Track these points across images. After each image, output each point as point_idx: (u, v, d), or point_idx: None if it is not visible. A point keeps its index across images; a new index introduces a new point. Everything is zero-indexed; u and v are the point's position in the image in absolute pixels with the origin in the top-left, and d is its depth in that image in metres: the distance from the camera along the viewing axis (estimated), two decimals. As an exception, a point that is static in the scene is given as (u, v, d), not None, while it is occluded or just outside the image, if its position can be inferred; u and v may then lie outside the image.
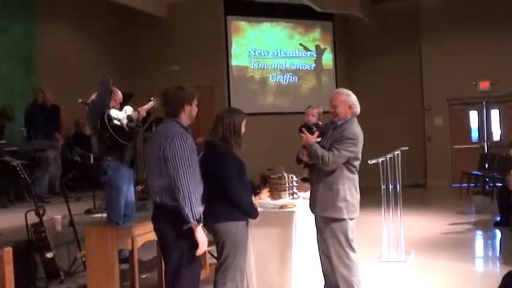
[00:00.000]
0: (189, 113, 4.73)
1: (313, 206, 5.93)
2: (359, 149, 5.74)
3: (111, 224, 7.09)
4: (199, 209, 4.51)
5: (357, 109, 5.84)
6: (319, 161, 5.64)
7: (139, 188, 10.59)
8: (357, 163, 5.77)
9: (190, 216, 4.41)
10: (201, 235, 4.51)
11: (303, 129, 6.20)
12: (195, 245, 4.53)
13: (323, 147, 5.71)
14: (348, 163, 5.69)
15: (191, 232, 4.47)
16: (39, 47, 12.99)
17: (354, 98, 5.85)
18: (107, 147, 7.32)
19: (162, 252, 4.81)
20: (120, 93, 7.63)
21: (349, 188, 5.72)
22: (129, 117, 7.54)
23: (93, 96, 7.73)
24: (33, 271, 6.65)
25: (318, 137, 5.89)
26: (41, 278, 6.67)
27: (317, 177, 5.84)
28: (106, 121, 7.20)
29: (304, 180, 7.26)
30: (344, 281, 5.76)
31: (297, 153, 6.34)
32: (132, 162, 7.77)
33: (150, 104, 7.75)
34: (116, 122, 7.32)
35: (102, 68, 14.28)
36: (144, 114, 7.64)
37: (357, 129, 5.76)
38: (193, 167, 4.51)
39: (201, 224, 4.51)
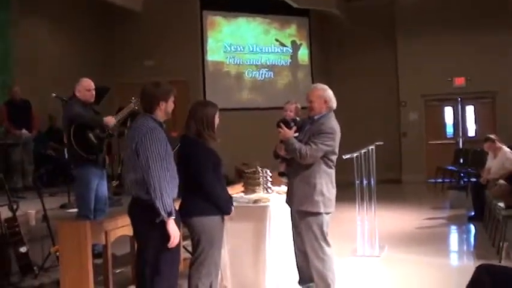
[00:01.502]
0: (164, 109, 4.75)
1: (289, 200, 5.95)
2: (336, 143, 5.77)
3: (80, 218, 7.06)
4: (171, 202, 4.51)
5: (333, 104, 5.87)
6: (296, 155, 5.66)
7: (115, 183, 10.55)
8: (334, 157, 5.80)
9: (161, 209, 4.42)
10: (173, 228, 4.51)
11: (281, 124, 6.22)
12: (169, 236, 4.53)
13: (300, 141, 5.73)
14: (325, 157, 5.72)
15: (164, 225, 4.47)
16: (13, 42, 12.83)
17: (330, 92, 5.88)
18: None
19: (137, 245, 4.80)
20: (90, 82, 7.52)
21: (326, 183, 5.75)
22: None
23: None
24: (7, 266, 6.60)
25: (295, 132, 5.92)
26: (14, 273, 6.62)
27: (294, 171, 5.87)
28: (72, 135, 7.19)
29: (281, 174, 7.29)
30: (318, 275, 5.79)
31: (274, 148, 6.37)
32: (104, 161, 7.71)
33: (130, 106, 7.67)
34: (86, 136, 7.30)
35: (77, 62, 14.20)
36: (112, 123, 7.52)
37: (334, 124, 5.80)
38: (165, 160, 4.52)
39: (173, 217, 4.50)
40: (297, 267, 6.14)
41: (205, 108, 5.28)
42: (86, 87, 7.44)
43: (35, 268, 6.72)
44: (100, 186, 7.45)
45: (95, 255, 5.83)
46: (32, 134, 11.32)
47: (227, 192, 5.40)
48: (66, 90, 7.83)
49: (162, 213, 4.43)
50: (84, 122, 7.31)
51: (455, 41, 16.73)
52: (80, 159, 7.26)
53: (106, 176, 7.80)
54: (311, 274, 5.93)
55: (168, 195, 4.46)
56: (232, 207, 5.31)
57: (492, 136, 10.67)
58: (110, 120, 7.46)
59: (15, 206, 6.87)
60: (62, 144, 11.28)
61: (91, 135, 7.35)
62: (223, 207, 5.18)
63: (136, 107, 7.47)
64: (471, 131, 17.83)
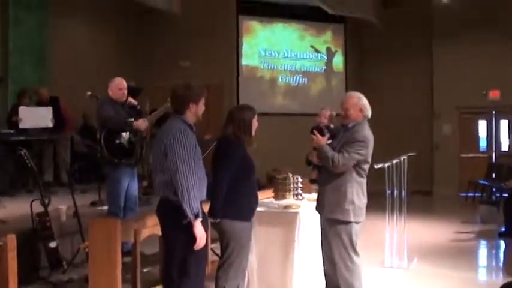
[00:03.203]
0: (194, 111, 4.79)
1: (320, 208, 5.93)
2: (369, 152, 5.74)
3: (110, 216, 7.11)
4: (198, 204, 4.54)
5: (368, 112, 5.84)
6: (328, 163, 5.64)
7: (145, 183, 10.61)
8: (366, 166, 5.77)
9: (188, 211, 4.46)
10: (200, 230, 4.53)
11: (314, 131, 6.22)
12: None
13: (333, 149, 5.71)
14: (357, 166, 5.69)
15: (191, 226, 4.51)
16: (51, 40, 12.97)
17: (365, 101, 5.86)
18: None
19: (165, 245, 4.83)
20: (123, 81, 7.56)
21: (357, 191, 5.72)
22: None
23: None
24: (37, 260, 6.68)
25: (328, 139, 5.90)
26: (43, 267, 6.69)
27: (325, 179, 5.84)
28: (102, 140, 7.25)
29: (312, 181, 7.27)
30: (346, 284, 5.76)
31: (307, 155, 6.36)
32: (137, 162, 7.76)
33: (166, 106, 7.66)
34: (117, 141, 7.34)
35: (113, 62, 14.33)
36: (143, 127, 7.51)
37: (367, 132, 5.77)
38: (193, 162, 4.54)
39: (200, 219, 4.53)
40: (324, 275, 6.10)
41: (243, 112, 5.31)
42: (118, 86, 7.48)
43: (64, 263, 6.79)
44: (131, 185, 7.50)
45: (124, 254, 5.88)
46: (64, 131, 11.42)
47: (256, 197, 5.39)
48: (102, 90, 7.89)
49: (189, 215, 4.46)
50: (113, 128, 7.35)
51: (491, 52, 16.48)
52: (110, 162, 7.33)
53: (137, 175, 7.85)
54: (338, 282, 5.90)
55: (195, 197, 4.49)
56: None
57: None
58: (142, 124, 7.46)
59: (46, 201, 6.94)
60: (95, 142, 11.42)
61: (122, 140, 7.39)
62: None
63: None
64: (505, 145, 17.55)
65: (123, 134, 7.40)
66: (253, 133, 5.30)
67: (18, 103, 10.67)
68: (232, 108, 5.45)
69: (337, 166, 5.60)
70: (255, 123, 5.30)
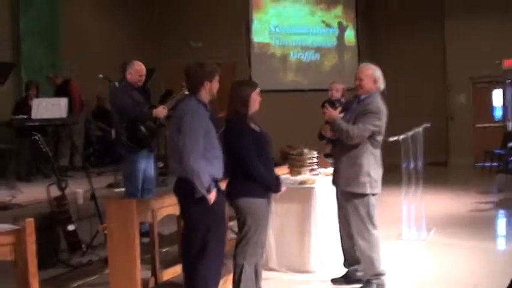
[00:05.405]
0: (209, 89, 4.80)
1: (336, 181, 5.92)
2: (383, 124, 5.73)
3: (128, 197, 7.14)
4: (208, 178, 4.54)
5: (382, 84, 5.81)
6: (343, 135, 5.62)
7: (161, 164, 10.63)
8: (380, 138, 5.76)
9: (199, 185, 4.48)
10: (211, 199, 4.57)
11: (326, 105, 6.18)
12: (216, 216, 4.58)
13: (347, 121, 5.69)
14: (371, 138, 5.68)
15: (206, 201, 4.54)
16: (62, 22, 12.98)
17: (379, 73, 5.82)
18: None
19: (184, 224, 4.85)
20: (143, 67, 7.58)
21: (373, 163, 5.72)
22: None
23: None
24: (56, 243, 6.73)
25: (340, 112, 5.87)
26: (63, 250, 6.74)
27: (340, 152, 5.83)
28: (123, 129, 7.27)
29: (326, 156, 7.24)
30: (364, 256, 5.77)
31: (319, 130, 6.33)
32: (155, 147, 7.80)
33: (182, 92, 7.63)
34: (138, 130, 7.36)
35: (125, 44, 14.32)
36: (163, 115, 7.50)
37: (380, 104, 5.75)
38: (203, 140, 4.55)
39: (213, 191, 4.56)
40: (342, 250, 6.11)
41: (241, 87, 5.29)
42: (139, 72, 7.49)
43: (83, 246, 6.84)
44: (147, 166, 7.53)
45: (142, 234, 5.91)
46: (75, 113, 11.44)
47: (273, 172, 5.40)
48: (114, 72, 7.89)
49: (200, 189, 4.48)
50: (133, 118, 7.34)
51: (505, 21, 16.29)
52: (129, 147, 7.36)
53: (153, 156, 7.88)
54: (356, 256, 5.91)
55: (204, 171, 4.50)
56: (282, 186, 5.31)
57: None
58: (161, 112, 7.47)
59: (63, 185, 6.97)
60: (109, 125, 11.45)
61: (142, 128, 7.39)
62: (269, 185, 5.19)
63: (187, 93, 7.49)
64: (520, 114, 17.44)
65: (143, 122, 7.41)
66: (255, 108, 5.25)
67: (26, 97, 10.66)
68: (232, 83, 5.41)
69: (352, 138, 5.59)
70: (255, 98, 5.23)
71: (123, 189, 8.04)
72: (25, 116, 9.65)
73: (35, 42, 12.27)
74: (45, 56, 12.46)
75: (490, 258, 7.24)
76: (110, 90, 8.29)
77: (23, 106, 10.15)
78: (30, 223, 3.82)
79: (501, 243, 8.61)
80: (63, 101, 9.84)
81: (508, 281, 4.19)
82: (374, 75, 5.77)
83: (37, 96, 10.44)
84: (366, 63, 6.09)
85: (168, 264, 5.89)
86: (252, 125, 5.22)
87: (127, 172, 7.56)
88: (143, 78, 7.57)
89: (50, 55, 12.60)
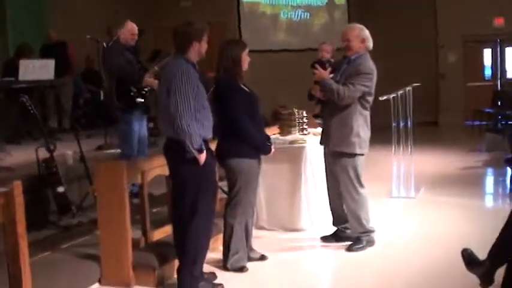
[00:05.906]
0: (197, 50, 4.74)
1: (325, 141, 5.93)
2: (373, 84, 5.74)
3: (123, 159, 7.13)
4: (199, 139, 4.52)
5: (370, 44, 5.80)
6: (334, 96, 5.62)
7: (151, 125, 10.60)
8: (370, 98, 5.78)
9: (190, 146, 4.46)
10: (202, 159, 4.55)
11: (316, 65, 6.16)
12: (206, 176, 4.62)
13: (337, 82, 5.68)
14: (361, 98, 5.69)
15: (197, 161, 4.53)
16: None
17: (366, 32, 5.81)
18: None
19: (173, 184, 4.85)
20: (135, 26, 7.54)
21: (362, 124, 5.75)
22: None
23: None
24: (45, 205, 6.71)
25: (330, 73, 5.86)
26: (53, 212, 6.73)
27: (330, 112, 5.83)
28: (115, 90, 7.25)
29: (315, 116, 7.25)
30: (353, 215, 5.82)
31: (309, 90, 6.33)
32: (147, 108, 7.77)
33: (168, 59, 7.58)
34: (130, 93, 7.32)
35: (113, 4, 14.15)
36: (154, 85, 7.36)
37: (371, 64, 5.75)
38: (194, 100, 4.51)
39: (203, 153, 4.53)
40: (331, 209, 6.15)
41: (231, 47, 5.27)
42: (131, 31, 7.49)
43: (72, 207, 6.84)
44: (140, 127, 7.52)
45: (132, 195, 5.91)
46: (69, 76, 11.36)
47: (263, 131, 5.41)
48: (101, 32, 7.82)
49: (192, 149, 4.46)
50: (125, 78, 7.30)
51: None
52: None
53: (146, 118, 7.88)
54: (345, 215, 5.96)
55: (195, 132, 4.48)
56: (272, 147, 5.34)
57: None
58: (153, 83, 7.40)
59: (52, 147, 6.93)
60: (99, 87, 11.37)
61: (135, 94, 7.36)
62: (259, 147, 5.20)
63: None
64: (510, 73, 17.41)
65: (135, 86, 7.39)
66: (244, 68, 5.24)
67: (13, 58, 10.52)
68: (221, 43, 5.38)
69: (343, 98, 5.58)
70: (245, 58, 5.24)
71: (112, 151, 8.02)
72: (12, 78, 9.56)
73: (20, 9, 12.07)
74: (30, 22, 12.26)
75: (479, 216, 7.30)
76: (101, 51, 8.22)
77: (10, 68, 10.02)
78: (18, 185, 3.80)
79: (489, 201, 8.69)
80: (51, 63, 9.71)
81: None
82: (361, 35, 5.76)
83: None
84: (352, 23, 6.09)
85: (158, 224, 5.90)
86: (242, 86, 5.21)
87: (123, 133, 7.54)
88: (135, 37, 7.57)
89: (36, 20, 12.41)
